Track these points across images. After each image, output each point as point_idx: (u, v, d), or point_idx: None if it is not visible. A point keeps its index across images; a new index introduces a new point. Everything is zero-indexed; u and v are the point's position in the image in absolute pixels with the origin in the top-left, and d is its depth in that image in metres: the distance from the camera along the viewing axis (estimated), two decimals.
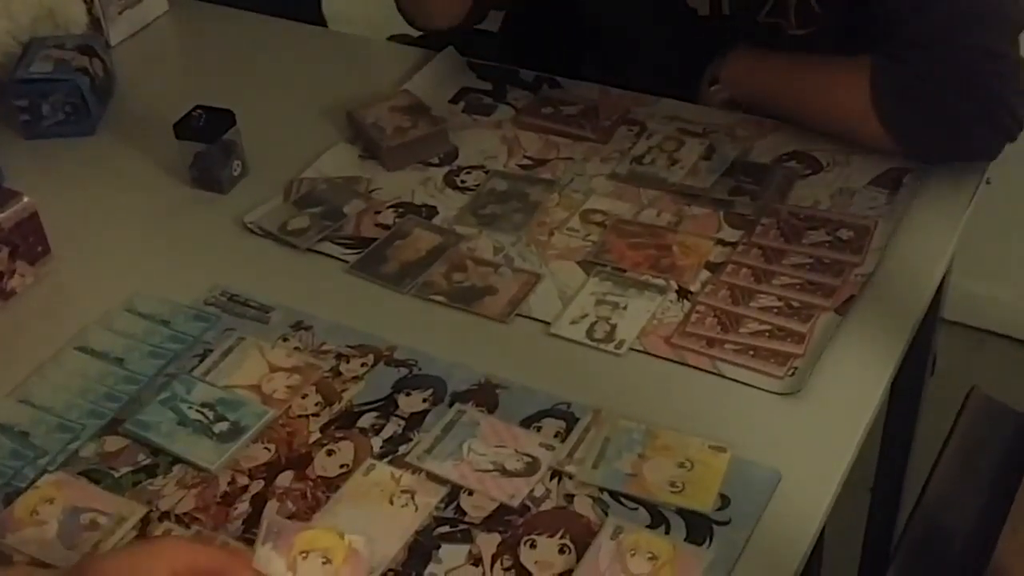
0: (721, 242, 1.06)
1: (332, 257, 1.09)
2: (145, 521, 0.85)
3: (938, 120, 1.08)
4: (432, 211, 1.14)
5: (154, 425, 0.91)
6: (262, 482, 0.87)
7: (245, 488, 0.87)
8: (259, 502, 0.85)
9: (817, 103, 1.16)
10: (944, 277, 1.13)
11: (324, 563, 0.74)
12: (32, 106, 1.27)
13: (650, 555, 0.78)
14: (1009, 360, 2.08)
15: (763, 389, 0.91)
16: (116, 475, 0.88)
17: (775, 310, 0.98)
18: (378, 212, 1.14)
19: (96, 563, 0.69)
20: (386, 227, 1.12)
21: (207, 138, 1.16)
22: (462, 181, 1.18)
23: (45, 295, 1.07)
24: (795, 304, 0.98)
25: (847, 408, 0.90)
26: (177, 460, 0.89)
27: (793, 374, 0.92)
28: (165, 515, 0.85)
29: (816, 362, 0.93)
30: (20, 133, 1.29)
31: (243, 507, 0.85)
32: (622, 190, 1.14)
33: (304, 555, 0.74)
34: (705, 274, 1.03)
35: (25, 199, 1.06)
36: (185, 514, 0.85)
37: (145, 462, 0.89)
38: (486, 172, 1.19)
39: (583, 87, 1.30)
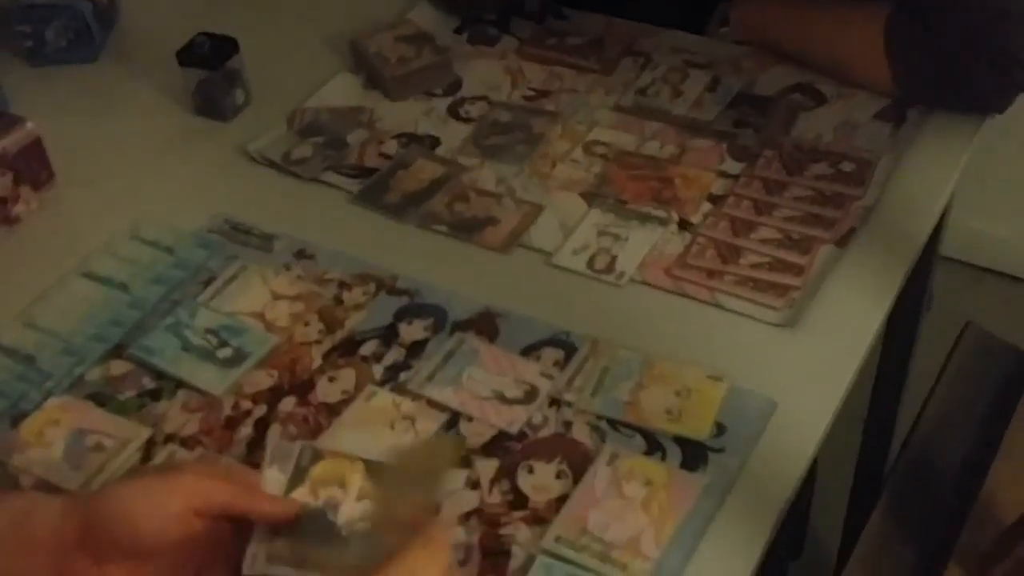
0: (723, 174, 1.07)
1: (335, 187, 1.10)
2: (150, 444, 0.86)
3: (950, 73, 1.08)
4: (435, 141, 1.14)
5: (158, 350, 0.93)
6: (265, 407, 0.88)
7: (248, 413, 0.88)
8: (262, 427, 0.87)
9: (829, 49, 1.15)
10: (944, 213, 1.13)
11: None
12: (35, 32, 1.27)
13: (645, 480, 0.80)
14: (1007, 297, 2.09)
15: (761, 320, 0.92)
16: (121, 399, 0.90)
17: (775, 242, 0.98)
18: (381, 142, 1.14)
19: (112, 491, 0.67)
20: (389, 157, 1.12)
21: (210, 65, 1.16)
22: (465, 112, 1.18)
23: (50, 221, 1.08)
24: (795, 236, 0.99)
25: (844, 340, 0.91)
26: (181, 385, 0.90)
27: (791, 306, 0.93)
28: (169, 438, 0.86)
29: (815, 294, 0.94)
30: (24, 59, 1.29)
31: (247, 431, 0.87)
32: (625, 122, 1.14)
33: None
34: (707, 206, 1.03)
35: (29, 125, 1.06)
36: (189, 437, 0.86)
37: (150, 386, 0.91)
38: (489, 103, 1.18)
39: (588, 18, 1.29)
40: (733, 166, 1.07)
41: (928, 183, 1.05)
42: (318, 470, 0.73)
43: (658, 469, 0.81)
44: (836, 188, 1.03)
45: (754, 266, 0.96)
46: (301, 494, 0.72)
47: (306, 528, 0.69)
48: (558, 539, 0.76)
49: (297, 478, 0.72)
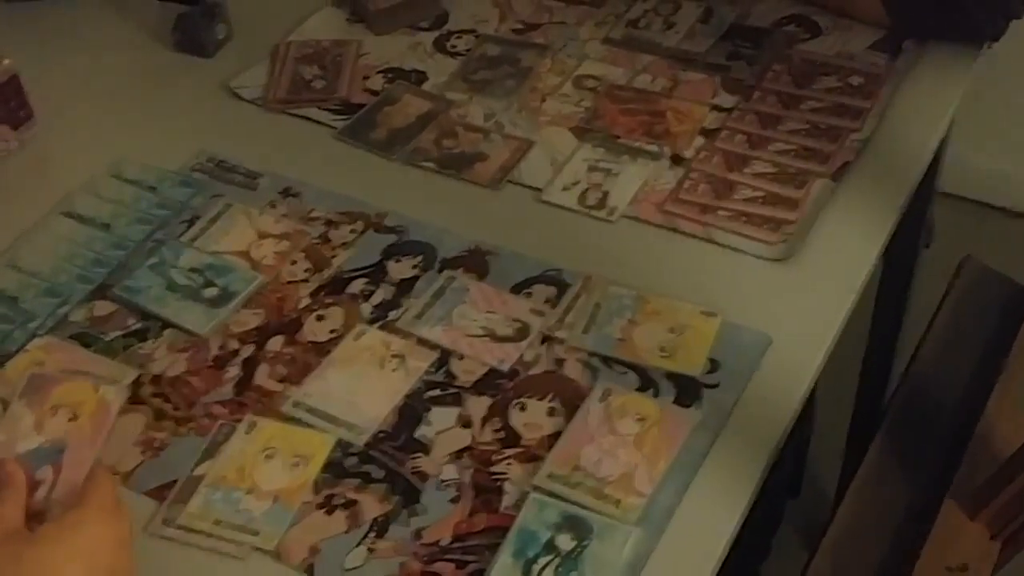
0: (717, 108, 1.05)
1: (320, 123, 1.07)
2: (137, 384, 0.85)
3: (941, 2, 1.05)
4: (422, 76, 1.12)
5: (143, 290, 0.91)
6: (253, 347, 0.87)
7: (236, 352, 0.87)
8: (250, 366, 0.86)
9: None
10: (941, 146, 1.11)
11: (71, 419, 0.75)
12: None
13: (638, 416, 0.79)
14: (1008, 233, 2.07)
15: (755, 255, 0.91)
16: (106, 339, 0.88)
17: (770, 176, 0.97)
18: (366, 77, 1.12)
19: None
20: (375, 93, 1.10)
21: None
22: (452, 46, 1.15)
23: (29, 160, 1.06)
24: (790, 170, 0.97)
25: (839, 274, 0.89)
26: (167, 325, 0.89)
27: (786, 240, 0.92)
28: (156, 378, 0.85)
29: (810, 228, 0.92)
30: None
31: (234, 371, 0.85)
32: (616, 55, 1.12)
33: (54, 410, 0.75)
34: (699, 140, 1.01)
35: (6, 61, 1.04)
36: (176, 377, 0.85)
37: (135, 326, 0.89)
38: (477, 37, 1.16)
39: None
40: (727, 99, 1.05)
41: (925, 116, 1.03)
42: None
43: (651, 405, 0.80)
44: (832, 121, 1.01)
45: (748, 200, 0.95)
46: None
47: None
48: (551, 476, 0.76)
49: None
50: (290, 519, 0.75)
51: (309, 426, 0.81)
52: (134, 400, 0.83)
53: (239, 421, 0.81)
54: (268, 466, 0.78)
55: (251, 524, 0.75)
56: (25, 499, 0.69)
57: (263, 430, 0.81)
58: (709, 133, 1.02)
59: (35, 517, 0.70)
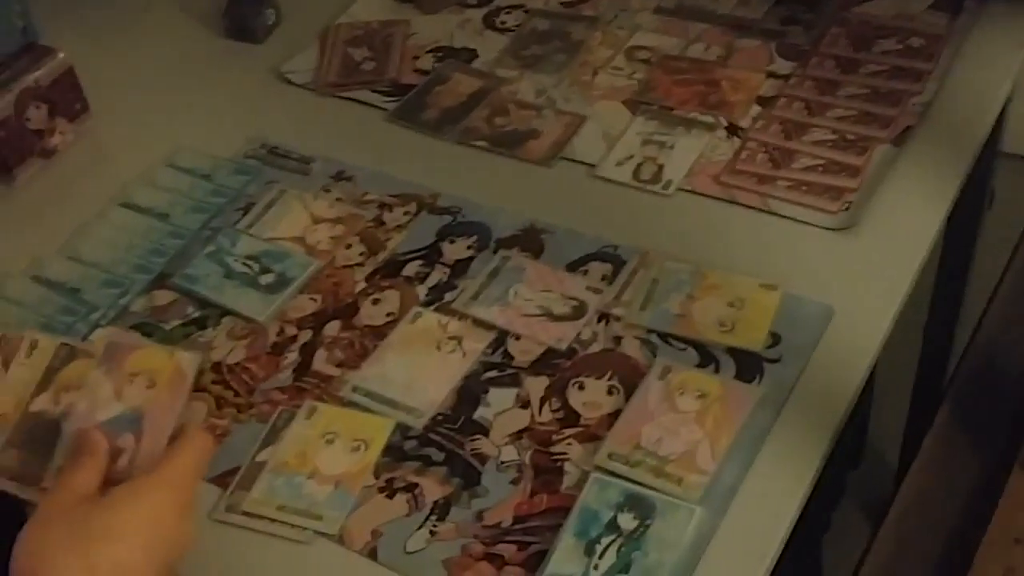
0: (773, 75, 1.02)
1: (371, 105, 1.07)
2: (198, 372, 0.85)
3: None
4: (472, 54, 1.11)
5: (201, 278, 0.92)
6: (310, 332, 0.87)
7: (294, 338, 0.87)
8: (308, 352, 0.86)
9: None
10: (1005, 107, 1.08)
11: (148, 387, 0.75)
12: None
13: (699, 393, 0.78)
14: None
15: (816, 225, 0.89)
16: (167, 328, 0.89)
17: (829, 143, 0.95)
18: (416, 57, 1.11)
19: None
20: (425, 72, 1.09)
21: None
22: (502, 22, 1.14)
23: (86, 152, 1.07)
24: (850, 137, 0.95)
25: (903, 242, 0.87)
26: (226, 312, 0.89)
27: (847, 209, 0.90)
28: (216, 366, 0.86)
29: (871, 196, 0.90)
30: None
31: (293, 357, 0.86)
32: (668, 24, 1.10)
33: (131, 378, 0.75)
34: (756, 109, 0.99)
35: (60, 55, 1.05)
36: (236, 364, 0.86)
37: (194, 315, 0.90)
38: (526, 11, 1.15)
39: None
40: (783, 66, 1.03)
41: (987, 76, 1.01)
42: (68, 372, 0.75)
43: (712, 381, 0.79)
44: (892, 85, 0.99)
45: (807, 169, 0.93)
46: (44, 400, 0.74)
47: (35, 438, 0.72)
48: (611, 455, 0.75)
49: (46, 380, 0.74)
50: (352, 503, 0.75)
51: (368, 410, 0.81)
52: (195, 388, 0.84)
53: (298, 407, 0.82)
54: (329, 451, 0.78)
55: (314, 509, 0.75)
56: (105, 467, 0.70)
57: (323, 415, 0.81)
58: (765, 101, 1.00)
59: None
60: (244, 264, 0.92)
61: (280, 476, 0.77)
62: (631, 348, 0.83)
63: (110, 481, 0.69)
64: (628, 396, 0.79)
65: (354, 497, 0.76)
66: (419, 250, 0.92)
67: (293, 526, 0.75)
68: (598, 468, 0.75)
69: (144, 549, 0.65)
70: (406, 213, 0.96)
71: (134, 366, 0.75)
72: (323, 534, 0.74)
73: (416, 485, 0.76)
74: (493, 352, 0.84)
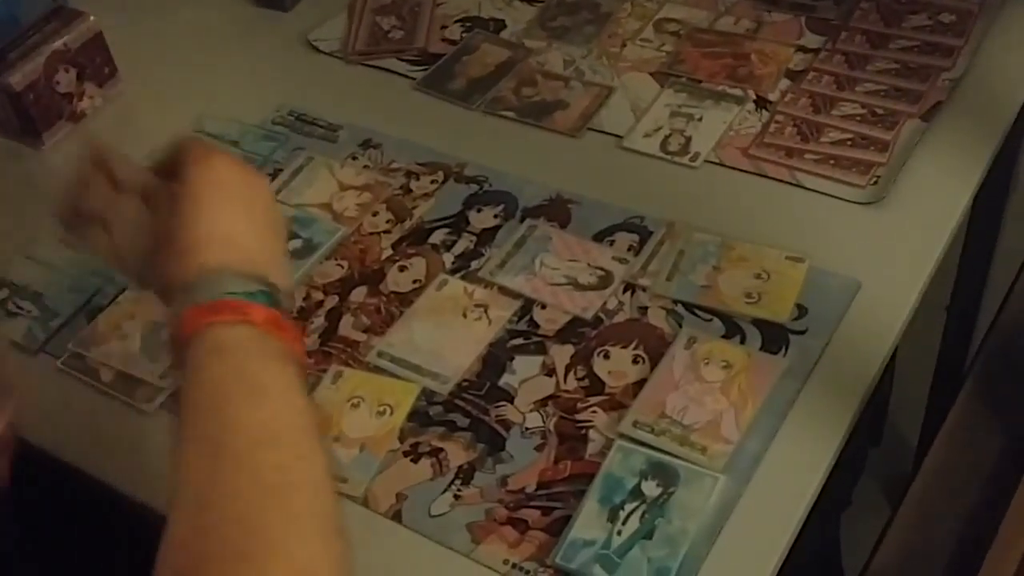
0: (802, 49, 1.02)
1: (399, 74, 1.07)
2: None
3: None
4: (500, 25, 1.11)
5: None
6: (336, 297, 0.88)
7: (320, 303, 0.88)
8: (334, 317, 0.86)
9: None
10: None
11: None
12: None
13: (724, 363, 0.78)
14: None
15: (844, 199, 0.89)
16: None
17: (858, 118, 0.94)
18: (444, 27, 1.11)
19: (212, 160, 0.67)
20: (453, 42, 1.09)
21: None
22: None
23: (115, 117, 1.07)
24: (879, 111, 0.94)
25: (930, 217, 0.87)
26: None
27: (875, 183, 0.89)
28: None
29: (899, 171, 0.90)
30: None
31: (319, 322, 0.86)
32: None
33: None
34: (785, 83, 0.99)
35: (91, 18, 1.05)
36: None
37: None
38: None
39: None
40: (813, 40, 1.03)
41: (1019, 52, 1.00)
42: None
43: (738, 352, 0.79)
44: (922, 60, 0.98)
45: (836, 143, 0.93)
46: None
47: None
48: (636, 423, 0.75)
49: None
50: (377, 467, 0.76)
51: (394, 376, 0.81)
52: None
53: (324, 371, 0.82)
54: (354, 415, 0.79)
55: (339, 472, 0.76)
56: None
57: (348, 379, 0.81)
58: (795, 75, 0.99)
59: None
60: None
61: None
62: (657, 318, 0.83)
63: None
64: (653, 366, 0.79)
65: (379, 461, 0.76)
66: (446, 218, 0.93)
67: None
68: (622, 436, 0.75)
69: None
70: (433, 181, 0.96)
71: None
72: (348, 496, 0.75)
73: (441, 450, 0.77)
74: (519, 320, 0.84)
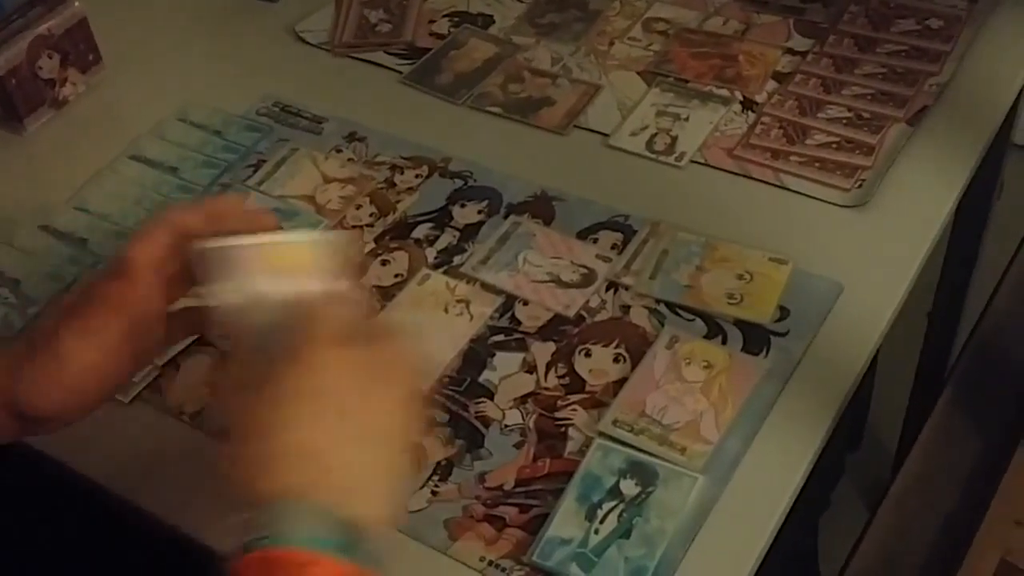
0: (790, 51, 1.02)
1: (386, 67, 1.07)
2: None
3: None
4: (488, 20, 1.10)
5: None
6: None
7: None
8: None
9: None
10: (1019, 95, 1.08)
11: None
12: None
13: (705, 363, 0.78)
14: None
15: (828, 202, 0.89)
16: None
17: (844, 121, 0.94)
18: (432, 21, 1.11)
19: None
20: (441, 37, 1.09)
21: None
22: None
23: (97, 104, 1.06)
24: (865, 115, 0.94)
25: (914, 222, 0.87)
26: None
27: (860, 186, 0.89)
28: None
29: (885, 174, 0.90)
30: None
31: None
32: None
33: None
34: (772, 84, 0.99)
35: (75, 3, 1.04)
36: None
37: None
38: None
39: None
40: (801, 43, 1.03)
41: (1006, 60, 1.00)
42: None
43: (719, 352, 0.79)
44: (910, 64, 0.98)
45: (821, 146, 0.92)
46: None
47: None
48: (616, 422, 0.75)
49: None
50: None
51: None
52: (200, 342, 0.84)
53: None
54: None
55: None
56: None
57: None
58: (782, 77, 0.99)
59: None
60: None
61: None
62: (639, 317, 0.82)
63: None
64: (635, 365, 0.79)
65: None
66: (429, 213, 0.92)
67: None
68: (602, 434, 0.75)
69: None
70: (417, 176, 0.95)
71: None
72: None
73: (419, 445, 0.76)
74: (500, 316, 0.84)
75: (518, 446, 0.76)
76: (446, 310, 0.84)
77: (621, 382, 0.78)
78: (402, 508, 0.62)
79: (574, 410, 0.77)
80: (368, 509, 0.55)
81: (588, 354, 0.80)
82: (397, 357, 0.61)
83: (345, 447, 0.56)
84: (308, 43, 1.10)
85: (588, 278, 0.85)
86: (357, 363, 0.59)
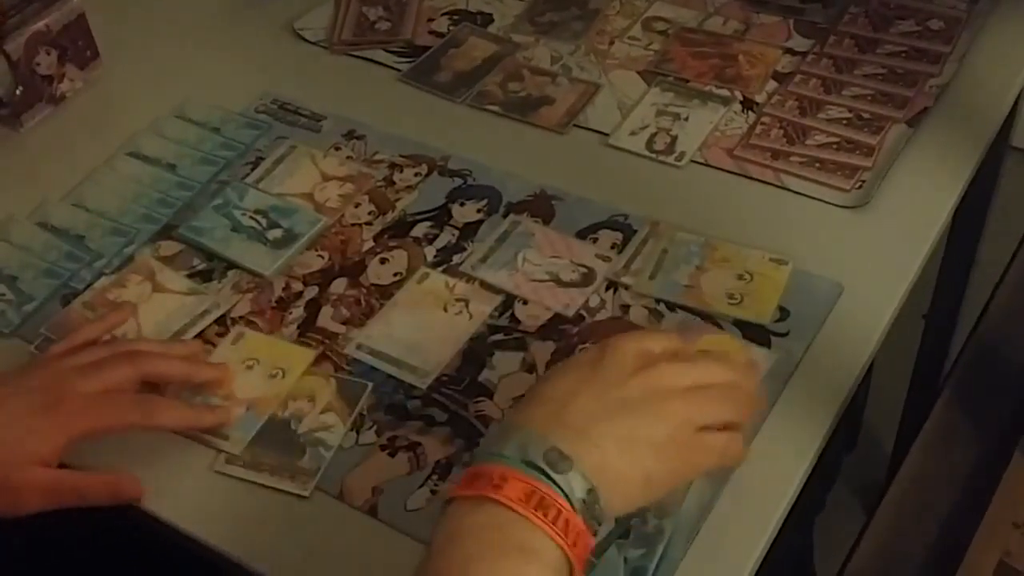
0: (790, 51, 1.02)
1: (384, 65, 1.06)
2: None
3: None
4: (487, 18, 1.10)
5: (208, 231, 0.91)
6: (316, 288, 0.87)
7: (300, 294, 0.87)
8: (313, 308, 0.85)
9: None
10: (1018, 100, 1.08)
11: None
12: None
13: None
14: None
15: (828, 202, 0.89)
16: None
17: (844, 121, 0.94)
18: (431, 19, 1.11)
19: None
20: (440, 35, 1.09)
21: None
22: None
23: (95, 100, 1.06)
24: (865, 115, 0.94)
25: (914, 223, 0.87)
26: (232, 266, 0.89)
27: (860, 187, 0.89)
28: (221, 318, 0.85)
29: (885, 175, 0.90)
30: None
31: (298, 312, 0.85)
32: None
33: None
34: (772, 84, 0.99)
35: (73, 0, 1.04)
36: (241, 318, 0.85)
37: (200, 267, 0.89)
38: None
39: None
40: (801, 43, 1.03)
41: (1006, 61, 1.00)
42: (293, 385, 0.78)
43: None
44: (910, 65, 0.98)
45: (821, 146, 0.92)
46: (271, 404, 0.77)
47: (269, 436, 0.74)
48: None
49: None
50: (259, 427, 0.77)
51: (372, 368, 0.80)
52: (198, 339, 0.84)
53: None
54: (247, 375, 0.78)
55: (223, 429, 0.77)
56: None
57: (248, 341, 0.83)
58: (782, 77, 0.99)
59: None
60: (252, 218, 0.92)
61: (197, 396, 0.78)
62: (639, 317, 0.82)
63: None
64: None
65: (262, 422, 0.77)
66: (428, 211, 0.92)
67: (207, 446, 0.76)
68: None
69: None
70: (416, 174, 0.95)
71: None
72: (228, 453, 0.75)
73: (418, 444, 0.76)
74: (500, 316, 0.83)
75: None
76: (445, 309, 0.84)
77: None
78: (654, 487, 0.61)
79: None
80: (598, 458, 0.56)
81: None
82: (726, 390, 0.64)
83: (596, 407, 0.58)
84: (307, 40, 1.10)
85: (588, 277, 0.85)
86: (655, 358, 0.62)
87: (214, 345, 0.83)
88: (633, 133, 0.96)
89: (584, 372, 0.61)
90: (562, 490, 0.55)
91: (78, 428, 0.70)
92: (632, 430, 0.59)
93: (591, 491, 0.56)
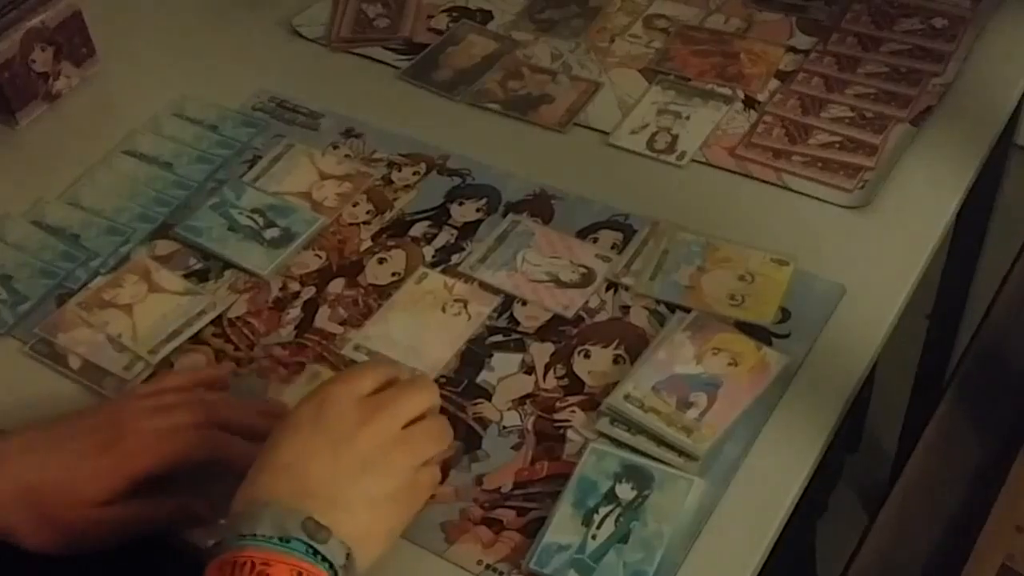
0: (792, 50, 1.01)
1: (383, 63, 1.05)
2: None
3: None
4: (487, 16, 1.09)
5: (205, 230, 0.90)
6: (313, 288, 0.86)
7: (297, 294, 0.86)
8: (311, 308, 0.85)
9: None
10: (1021, 100, 1.07)
11: (729, 364, 0.76)
12: None
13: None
14: None
15: (831, 202, 0.88)
16: None
17: (847, 120, 0.93)
18: (431, 16, 1.10)
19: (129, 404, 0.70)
20: (439, 32, 1.08)
21: None
22: None
23: (91, 98, 1.05)
24: (868, 114, 0.93)
25: (917, 223, 0.86)
26: (228, 265, 0.88)
27: (863, 187, 0.88)
28: (217, 318, 0.84)
29: (887, 175, 0.89)
30: None
31: (295, 312, 0.84)
32: None
33: (715, 351, 0.76)
34: (774, 83, 0.98)
35: None
36: (237, 318, 0.84)
37: (196, 266, 0.89)
38: None
39: None
40: (803, 41, 1.02)
41: (1011, 60, 0.99)
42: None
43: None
44: (913, 64, 0.97)
45: (824, 145, 0.91)
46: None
47: None
48: (627, 397, 0.74)
49: None
50: None
51: None
52: (195, 340, 0.83)
53: (301, 364, 0.80)
54: None
55: None
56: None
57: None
58: (784, 76, 0.98)
59: None
60: (249, 217, 0.91)
61: None
62: (639, 318, 0.81)
63: None
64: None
65: None
66: (427, 211, 0.91)
67: None
68: (610, 409, 0.74)
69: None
70: (415, 173, 0.94)
71: (718, 343, 0.76)
72: None
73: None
74: (499, 316, 0.83)
75: (516, 448, 0.75)
76: (444, 309, 0.83)
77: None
78: (392, 537, 0.66)
79: (573, 412, 0.76)
80: (350, 523, 0.60)
81: (587, 355, 0.79)
82: (430, 426, 0.69)
83: (329, 463, 0.62)
84: (305, 38, 1.09)
85: (587, 278, 0.84)
86: (369, 403, 0.66)
87: (209, 345, 0.82)
88: (634, 132, 0.95)
89: (308, 432, 0.64)
90: (326, 560, 0.58)
91: (140, 466, 0.69)
92: (373, 489, 0.63)
93: (349, 555, 0.60)
